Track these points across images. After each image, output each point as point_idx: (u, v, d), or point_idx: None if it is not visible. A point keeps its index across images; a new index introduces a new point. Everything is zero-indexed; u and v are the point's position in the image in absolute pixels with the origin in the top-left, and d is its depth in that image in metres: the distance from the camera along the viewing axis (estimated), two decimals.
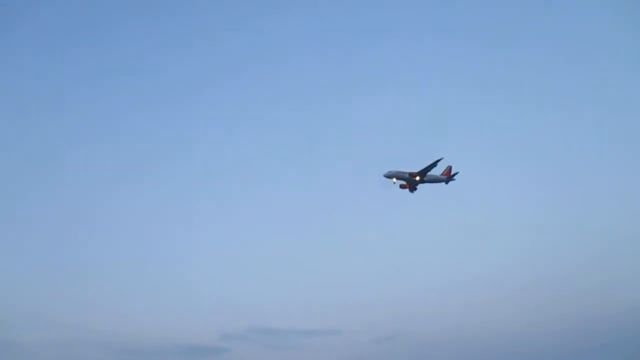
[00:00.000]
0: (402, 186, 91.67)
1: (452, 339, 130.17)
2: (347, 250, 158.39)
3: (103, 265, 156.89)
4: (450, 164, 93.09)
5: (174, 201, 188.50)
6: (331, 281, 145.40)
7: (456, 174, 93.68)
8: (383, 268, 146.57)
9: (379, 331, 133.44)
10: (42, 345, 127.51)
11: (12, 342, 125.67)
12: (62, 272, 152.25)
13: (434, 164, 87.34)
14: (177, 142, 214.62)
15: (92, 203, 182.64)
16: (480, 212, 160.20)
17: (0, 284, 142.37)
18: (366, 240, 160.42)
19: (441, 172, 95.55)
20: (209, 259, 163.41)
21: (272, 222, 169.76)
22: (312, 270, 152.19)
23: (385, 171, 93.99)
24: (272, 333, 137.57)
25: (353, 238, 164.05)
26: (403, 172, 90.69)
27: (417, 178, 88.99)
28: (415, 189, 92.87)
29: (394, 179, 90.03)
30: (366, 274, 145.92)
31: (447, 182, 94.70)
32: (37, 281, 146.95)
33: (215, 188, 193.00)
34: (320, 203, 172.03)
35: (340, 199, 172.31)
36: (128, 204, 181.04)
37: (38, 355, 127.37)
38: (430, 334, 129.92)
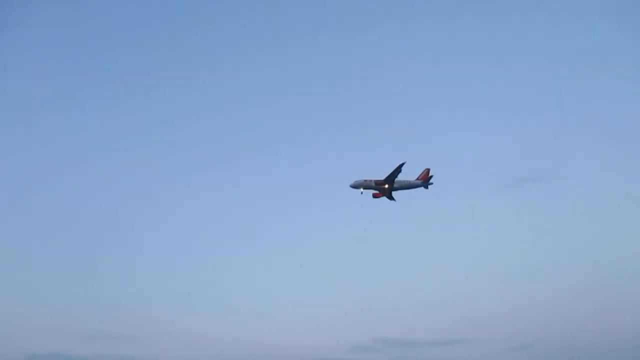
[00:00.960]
0: (374, 195, 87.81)
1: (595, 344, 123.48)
2: (474, 256, 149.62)
3: (240, 282, 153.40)
4: (429, 167, 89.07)
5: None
6: (457, 289, 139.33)
7: (431, 177, 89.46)
8: (510, 274, 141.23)
9: (512, 340, 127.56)
10: None
11: None
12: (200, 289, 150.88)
13: (398, 169, 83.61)
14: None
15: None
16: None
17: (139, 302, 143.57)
18: (493, 246, 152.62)
19: (417, 176, 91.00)
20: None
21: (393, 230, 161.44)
22: (437, 278, 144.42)
23: (352, 181, 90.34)
24: (401, 344, 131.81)
25: (479, 244, 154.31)
26: (369, 181, 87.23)
27: (386, 186, 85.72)
28: (392, 197, 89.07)
29: (361, 189, 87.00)
30: (493, 280, 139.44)
31: (426, 187, 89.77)
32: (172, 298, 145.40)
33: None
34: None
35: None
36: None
37: None
38: (567, 340, 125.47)
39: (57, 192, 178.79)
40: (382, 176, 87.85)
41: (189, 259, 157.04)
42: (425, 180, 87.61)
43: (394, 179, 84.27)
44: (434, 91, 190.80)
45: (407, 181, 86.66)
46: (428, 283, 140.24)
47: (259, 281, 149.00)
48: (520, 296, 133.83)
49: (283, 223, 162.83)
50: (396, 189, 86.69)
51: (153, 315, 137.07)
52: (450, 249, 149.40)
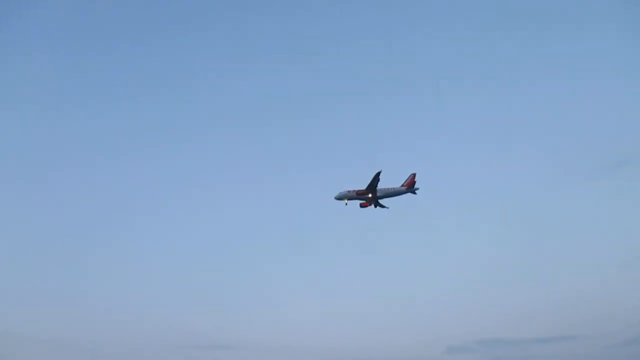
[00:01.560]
0: (361, 205, 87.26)
1: None
2: (574, 250, 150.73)
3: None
4: (415, 172, 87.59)
5: None
6: (557, 284, 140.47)
7: (414, 184, 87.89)
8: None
9: (620, 335, 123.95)
10: None
11: None
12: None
13: (376, 178, 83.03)
14: None
15: None
16: None
17: None
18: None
19: (402, 182, 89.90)
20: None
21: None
22: (533, 273, 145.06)
23: (336, 193, 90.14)
24: (501, 344, 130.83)
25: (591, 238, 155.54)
26: (352, 192, 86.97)
27: (370, 195, 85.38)
28: (381, 205, 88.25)
29: (345, 200, 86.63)
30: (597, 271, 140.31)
31: (413, 192, 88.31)
32: None
33: None
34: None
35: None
36: None
37: None
38: None
39: None
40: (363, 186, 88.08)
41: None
42: (410, 186, 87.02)
43: (374, 188, 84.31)
44: None
45: (391, 188, 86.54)
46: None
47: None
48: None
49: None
50: (381, 197, 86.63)
51: None
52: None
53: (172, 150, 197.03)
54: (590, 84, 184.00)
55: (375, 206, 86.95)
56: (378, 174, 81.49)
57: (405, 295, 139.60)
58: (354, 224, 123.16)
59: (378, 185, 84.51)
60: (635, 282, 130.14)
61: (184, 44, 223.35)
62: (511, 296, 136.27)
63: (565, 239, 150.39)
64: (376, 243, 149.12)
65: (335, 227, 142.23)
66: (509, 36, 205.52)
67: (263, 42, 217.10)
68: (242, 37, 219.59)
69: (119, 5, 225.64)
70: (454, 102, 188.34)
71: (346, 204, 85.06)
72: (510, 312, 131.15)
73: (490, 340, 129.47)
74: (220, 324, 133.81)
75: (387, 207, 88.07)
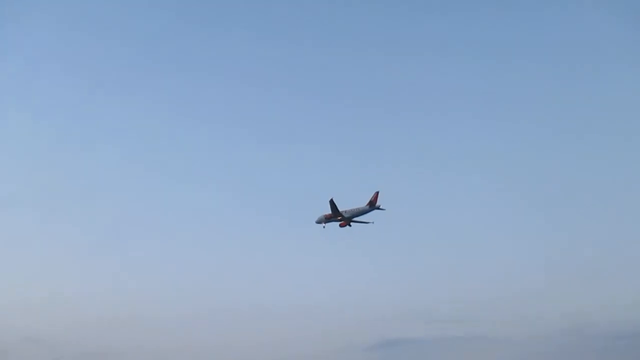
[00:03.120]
0: (341, 225, 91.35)
1: None
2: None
3: None
4: (378, 190, 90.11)
5: None
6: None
7: (376, 204, 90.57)
8: None
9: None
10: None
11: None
12: None
13: (332, 205, 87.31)
14: None
15: None
16: None
17: None
18: None
19: (367, 201, 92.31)
20: None
21: None
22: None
23: (316, 218, 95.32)
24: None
25: None
26: (326, 216, 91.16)
27: (339, 217, 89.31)
28: (361, 221, 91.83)
29: (323, 224, 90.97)
30: None
31: (379, 208, 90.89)
32: None
33: None
34: None
35: None
36: None
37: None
38: None
39: None
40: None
41: None
42: (373, 203, 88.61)
43: (337, 212, 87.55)
44: None
45: (356, 209, 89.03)
46: None
47: None
48: None
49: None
50: (350, 218, 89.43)
51: None
52: None
53: None
54: None
55: (350, 225, 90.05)
56: (331, 200, 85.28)
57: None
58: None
59: (348, 206, 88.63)
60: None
61: None
62: None
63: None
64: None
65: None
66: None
67: None
68: None
69: None
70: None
71: (324, 227, 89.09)
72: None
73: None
74: None
75: (372, 222, 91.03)
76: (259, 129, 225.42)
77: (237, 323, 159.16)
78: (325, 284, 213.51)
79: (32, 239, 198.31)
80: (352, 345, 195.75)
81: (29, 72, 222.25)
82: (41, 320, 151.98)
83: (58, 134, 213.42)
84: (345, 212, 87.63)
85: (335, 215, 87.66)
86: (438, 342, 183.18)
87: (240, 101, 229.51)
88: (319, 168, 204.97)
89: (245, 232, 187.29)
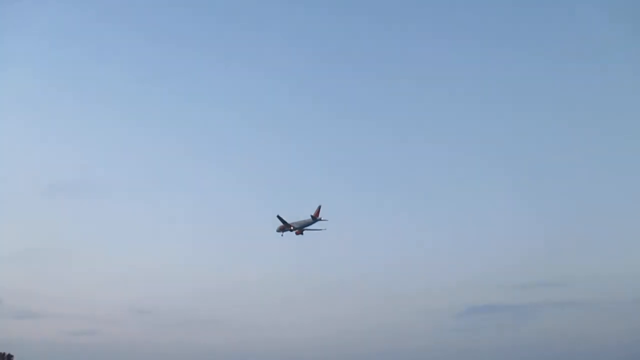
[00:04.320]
0: (296, 233, 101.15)
1: None
2: None
3: None
4: (320, 204, 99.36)
5: None
6: None
7: (319, 217, 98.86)
8: None
9: None
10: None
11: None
12: None
13: (280, 218, 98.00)
14: None
15: None
16: None
17: None
18: None
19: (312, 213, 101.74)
20: None
21: None
22: None
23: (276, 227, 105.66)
24: None
25: None
26: (280, 226, 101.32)
27: (291, 227, 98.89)
28: (314, 229, 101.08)
29: (281, 233, 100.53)
30: None
31: (322, 220, 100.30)
32: None
33: None
34: None
35: None
36: None
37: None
38: None
39: None
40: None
41: None
42: (316, 216, 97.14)
43: (287, 224, 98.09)
44: None
45: (303, 220, 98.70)
46: None
47: None
48: None
49: None
50: (300, 229, 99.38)
51: None
52: None
53: None
54: None
55: (302, 233, 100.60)
56: (277, 216, 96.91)
57: None
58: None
59: (296, 219, 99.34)
60: None
61: None
62: None
63: None
64: None
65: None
66: None
67: None
68: None
69: None
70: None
71: (282, 235, 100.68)
72: None
73: None
74: None
75: (324, 229, 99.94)
76: None
77: (336, 295, 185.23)
78: (409, 254, 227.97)
79: (137, 218, 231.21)
80: (441, 312, 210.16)
81: None
82: (147, 292, 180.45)
83: None
84: (294, 224, 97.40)
85: (286, 227, 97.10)
86: (527, 307, 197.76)
87: None
88: None
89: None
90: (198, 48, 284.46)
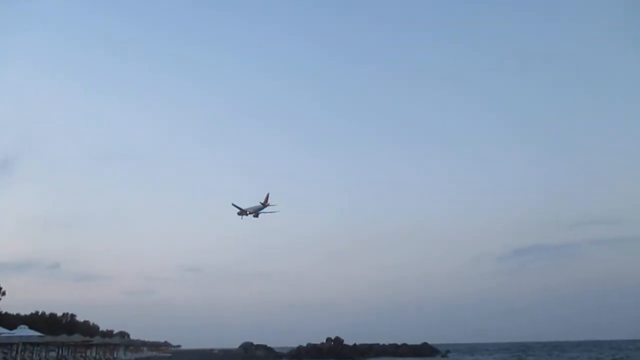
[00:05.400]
0: (254, 216, 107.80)
1: None
2: None
3: None
4: (269, 192, 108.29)
5: None
6: None
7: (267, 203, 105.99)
8: None
9: None
10: None
11: None
12: None
13: (235, 206, 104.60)
14: None
15: None
16: None
17: None
18: None
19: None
20: None
21: None
22: None
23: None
24: None
25: None
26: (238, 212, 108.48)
27: (247, 212, 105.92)
28: (268, 212, 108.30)
29: (242, 216, 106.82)
30: None
31: (270, 205, 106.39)
32: None
33: None
34: None
35: None
36: None
37: None
38: None
39: None
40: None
41: None
42: (265, 202, 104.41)
43: (242, 210, 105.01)
44: None
45: (256, 206, 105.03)
46: None
47: None
48: None
49: None
50: (254, 212, 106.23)
51: None
52: None
53: None
54: None
55: (257, 216, 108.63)
56: (232, 204, 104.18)
57: None
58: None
59: (249, 205, 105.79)
60: None
61: None
62: None
63: None
64: None
65: None
66: None
67: None
68: None
69: None
70: None
71: (242, 218, 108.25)
72: None
73: None
74: None
75: (277, 211, 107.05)
76: None
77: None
78: (452, 197, 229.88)
79: (183, 180, 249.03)
80: (487, 256, 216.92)
81: None
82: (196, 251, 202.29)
83: None
84: (249, 209, 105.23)
85: (243, 212, 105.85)
86: (572, 247, 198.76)
87: None
88: None
89: None
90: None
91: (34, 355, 53.24)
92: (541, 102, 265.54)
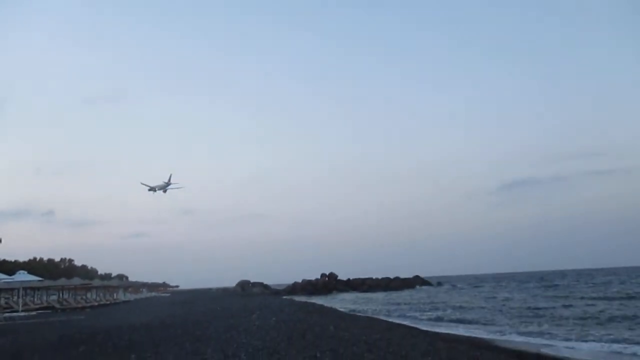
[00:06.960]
0: (164, 191, 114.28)
1: None
2: None
3: None
4: (171, 173, 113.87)
5: None
6: None
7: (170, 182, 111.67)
8: None
9: None
10: None
11: None
12: None
13: (144, 185, 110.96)
14: None
15: None
16: None
17: None
18: None
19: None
20: None
21: None
22: None
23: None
24: None
25: None
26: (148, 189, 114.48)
27: (155, 189, 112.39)
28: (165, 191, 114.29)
29: (152, 192, 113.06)
30: None
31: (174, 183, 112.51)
32: None
33: None
34: None
35: None
36: None
37: None
38: None
39: None
40: None
41: None
42: (168, 181, 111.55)
43: (152, 188, 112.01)
44: None
45: (163, 184, 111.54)
46: None
47: None
48: None
49: None
50: (162, 188, 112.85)
51: None
52: None
53: None
54: None
55: (165, 191, 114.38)
56: (141, 183, 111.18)
57: None
58: None
59: (156, 184, 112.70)
60: None
61: None
62: None
63: None
64: None
65: None
66: None
67: None
68: None
69: None
70: None
71: (153, 193, 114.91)
72: None
73: None
74: None
75: (182, 187, 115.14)
76: None
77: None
78: (444, 134, 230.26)
79: (175, 121, 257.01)
80: (477, 189, 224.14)
81: None
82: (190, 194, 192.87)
83: None
84: (156, 186, 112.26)
85: (152, 189, 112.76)
86: (564, 179, 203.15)
87: None
88: None
89: None
90: None
91: (35, 300, 54.39)
92: (532, 35, 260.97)
